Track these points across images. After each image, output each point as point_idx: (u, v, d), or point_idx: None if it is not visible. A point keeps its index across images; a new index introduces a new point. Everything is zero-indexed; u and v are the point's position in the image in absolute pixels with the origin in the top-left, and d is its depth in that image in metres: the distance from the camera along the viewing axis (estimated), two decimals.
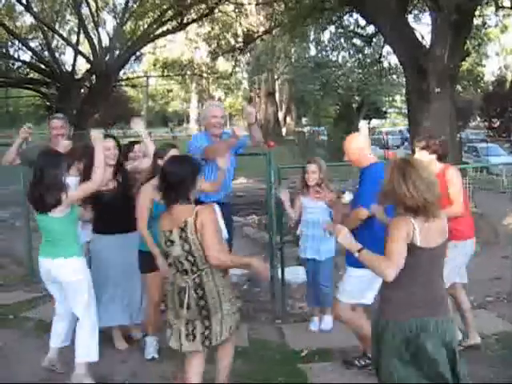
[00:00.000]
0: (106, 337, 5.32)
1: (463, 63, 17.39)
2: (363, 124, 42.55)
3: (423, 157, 4.87)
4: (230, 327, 3.82)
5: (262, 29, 24.48)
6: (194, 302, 3.73)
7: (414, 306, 3.35)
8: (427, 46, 11.38)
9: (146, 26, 23.81)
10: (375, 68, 24.67)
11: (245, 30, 24.34)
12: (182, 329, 3.79)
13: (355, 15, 18.62)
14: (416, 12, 18.98)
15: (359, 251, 3.38)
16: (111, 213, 5.05)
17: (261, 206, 10.24)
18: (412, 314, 3.33)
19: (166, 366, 4.96)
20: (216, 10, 23.27)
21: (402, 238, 3.25)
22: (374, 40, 18.73)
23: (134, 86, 39.30)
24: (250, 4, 24.13)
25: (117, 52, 23.16)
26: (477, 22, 19.45)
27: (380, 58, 20.29)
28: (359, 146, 4.66)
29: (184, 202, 3.75)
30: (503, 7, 14.47)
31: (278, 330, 5.93)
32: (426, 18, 21.01)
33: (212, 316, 3.74)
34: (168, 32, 24.03)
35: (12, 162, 5.89)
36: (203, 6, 22.38)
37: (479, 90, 37.83)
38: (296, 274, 6.87)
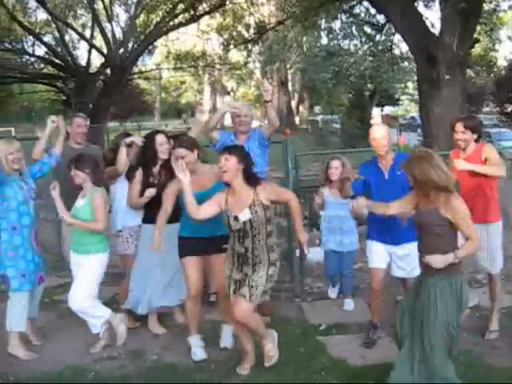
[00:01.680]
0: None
1: (476, 48, 17.54)
2: (376, 111, 42.69)
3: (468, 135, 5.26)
4: None
5: (273, 19, 24.70)
6: None
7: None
8: (437, 34, 11.61)
9: (158, 19, 24.06)
10: (387, 55, 24.78)
11: (257, 20, 24.56)
12: None
13: (365, 3, 18.85)
14: None
15: (455, 256, 3.92)
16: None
17: None
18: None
19: None
20: (228, 2, 23.51)
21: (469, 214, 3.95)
22: (385, 28, 18.88)
23: (147, 79, 39.60)
24: None
25: (130, 45, 23.44)
26: (488, 7, 19.58)
27: (391, 46, 20.44)
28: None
29: None
30: None
31: (297, 307, 6.29)
32: (437, 4, 21.08)
33: None
34: (180, 24, 24.22)
35: (41, 155, 5.82)
36: None
37: (492, 75, 37.74)
38: (313, 255, 7.19)
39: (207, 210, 4.49)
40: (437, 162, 3.95)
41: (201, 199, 4.55)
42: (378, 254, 5.26)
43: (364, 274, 7.10)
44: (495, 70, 39.08)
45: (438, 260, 3.92)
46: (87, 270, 5.16)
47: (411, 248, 5.02)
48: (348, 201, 6.04)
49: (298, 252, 6.72)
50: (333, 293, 6.51)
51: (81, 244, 5.21)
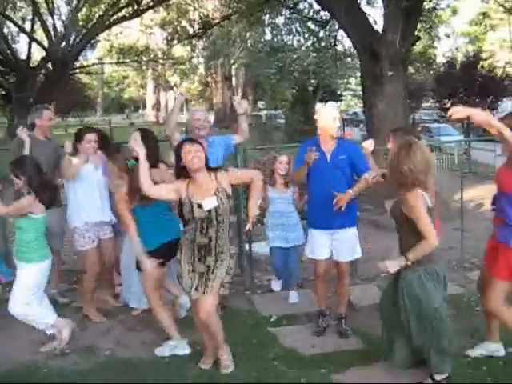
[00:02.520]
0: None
1: (416, 46, 17.97)
2: (319, 106, 43.04)
3: None
4: None
5: (217, 14, 24.69)
6: None
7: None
8: (380, 31, 11.87)
9: (101, 13, 23.73)
10: (330, 51, 25.09)
11: (201, 15, 24.49)
12: None
13: (309, 0, 19.10)
14: None
15: (406, 259, 3.99)
16: None
17: None
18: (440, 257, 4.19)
19: (147, 334, 5.37)
20: None
21: (424, 210, 3.92)
22: (329, 24, 19.13)
23: (89, 73, 39.04)
24: None
25: (72, 39, 23.06)
26: (428, 5, 20.03)
27: (335, 42, 20.73)
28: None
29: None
30: None
31: (247, 300, 6.37)
32: (379, 2, 21.44)
33: None
34: (124, 18, 23.96)
35: None
36: None
37: (431, 72, 38.57)
38: (260, 249, 7.31)
39: (161, 191, 4.52)
40: (413, 154, 3.93)
41: None
42: (320, 245, 5.32)
43: (312, 266, 7.23)
44: (434, 66, 39.95)
45: (390, 266, 4.01)
46: (24, 278, 4.93)
47: (348, 233, 5.29)
48: (291, 196, 6.25)
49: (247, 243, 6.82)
50: (276, 286, 6.57)
51: (18, 251, 4.98)
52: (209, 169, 4.48)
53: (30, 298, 4.96)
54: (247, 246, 6.91)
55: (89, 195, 5.69)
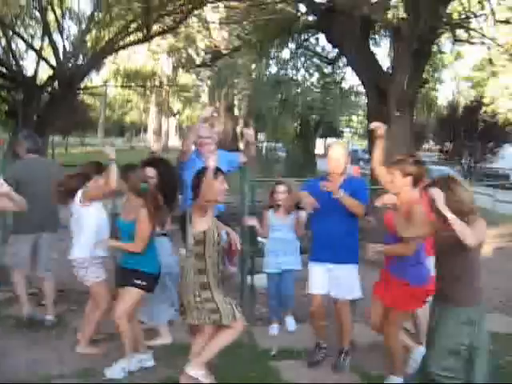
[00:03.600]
0: None
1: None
2: (329, 143, 43.25)
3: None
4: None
5: (223, 45, 24.87)
6: None
7: (479, 291, 3.98)
8: (388, 71, 12.00)
9: (110, 36, 23.87)
10: (333, 88, 25.29)
11: (208, 44, 24.70)
12: None
13: (316, 36, 19.26)
14: (376, 37, 19.62)
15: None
16: None
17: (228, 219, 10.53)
18: (480, 299, 3.98)
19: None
20: (181, 25, 23.58)
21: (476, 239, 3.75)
22: (336, 63, 19.33)
23: (92, 94, 39.20)
24: (213, 23, 24.53)
25: (80, 60, 23.15)
26: (434, 48, 20.28)
27: (341, 80, 20.94)
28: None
29: None
30: (460, 40, 15.29)
31: (247, 332, 6.29)
32: (384, 41, 21.61)
33: None
34: (132, 43, 24.12)
35: None
36: (169, 20, 22.66)
37: (432, 114, 38.93)
38: (259, 281, 7.27)
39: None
40: (460, 183, 3.94)
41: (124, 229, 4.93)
42: (317, 279, 5.36)
43: None
44: (435, 109, 40.34)
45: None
46: None
47: (348, 270, 5.27)
48: (291, 223, 6.23)
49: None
50: (273, 330, 6.46)
51: None
52: None
53: None
54: (248, 278, 6.89)
55: (99, 228, 5.52)
